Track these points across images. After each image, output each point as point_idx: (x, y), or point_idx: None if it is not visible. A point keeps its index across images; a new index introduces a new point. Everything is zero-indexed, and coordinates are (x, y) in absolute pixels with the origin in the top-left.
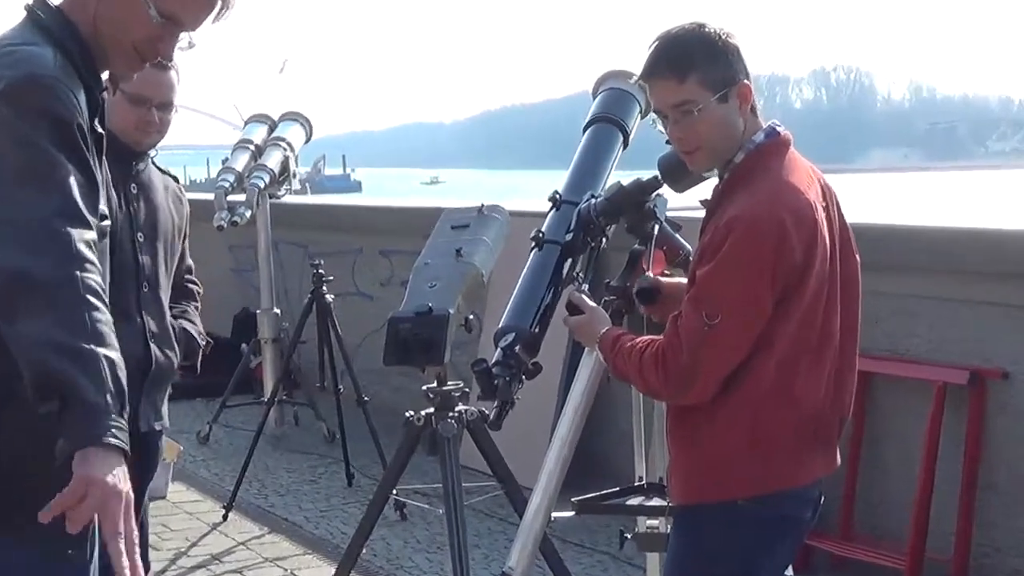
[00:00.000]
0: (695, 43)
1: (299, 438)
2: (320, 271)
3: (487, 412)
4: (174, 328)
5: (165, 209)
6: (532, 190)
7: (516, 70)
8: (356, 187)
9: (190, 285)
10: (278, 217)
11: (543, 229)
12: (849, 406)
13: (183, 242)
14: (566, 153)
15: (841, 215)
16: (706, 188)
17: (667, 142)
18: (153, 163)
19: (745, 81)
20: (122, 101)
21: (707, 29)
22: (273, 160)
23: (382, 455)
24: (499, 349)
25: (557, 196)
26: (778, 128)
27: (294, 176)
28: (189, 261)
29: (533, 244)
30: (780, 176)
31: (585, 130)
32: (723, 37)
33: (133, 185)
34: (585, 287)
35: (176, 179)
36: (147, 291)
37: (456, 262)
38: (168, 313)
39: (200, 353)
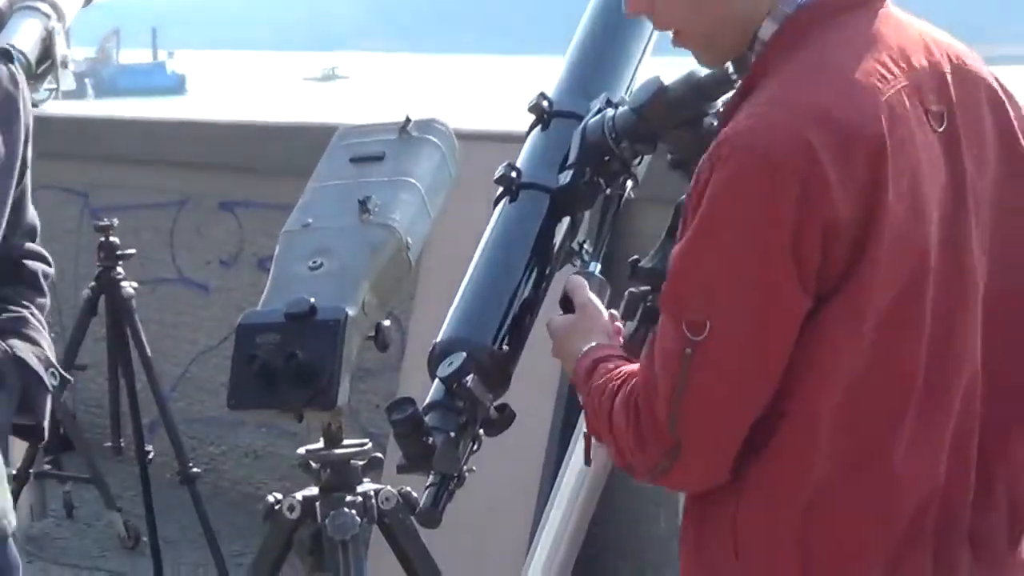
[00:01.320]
0: None
1: (74, 540)
2: (112, 239)
3: (415, 495)
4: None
5: None
6: (498, 90)
7: None
8: (176, 85)
9: (30, 264)
10: (35, 140)
11: (519, 163)
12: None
13: (20, 182)
14: (562, 27)
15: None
16: None
17: None
18: None
19: None
20: None
21: None
22: (24, 36)
23: (224, 572)
24: (438, 381)
25: (545, 103)
26: None
27: (64, 65)
28: (31, 217)
29: (500, 190)
30: (830, 55)
31: None
32: None
33: None
34: (595, 268)
35: (8, 54)
36: None
37: (360, 224)
38: None
39: (49, 399)
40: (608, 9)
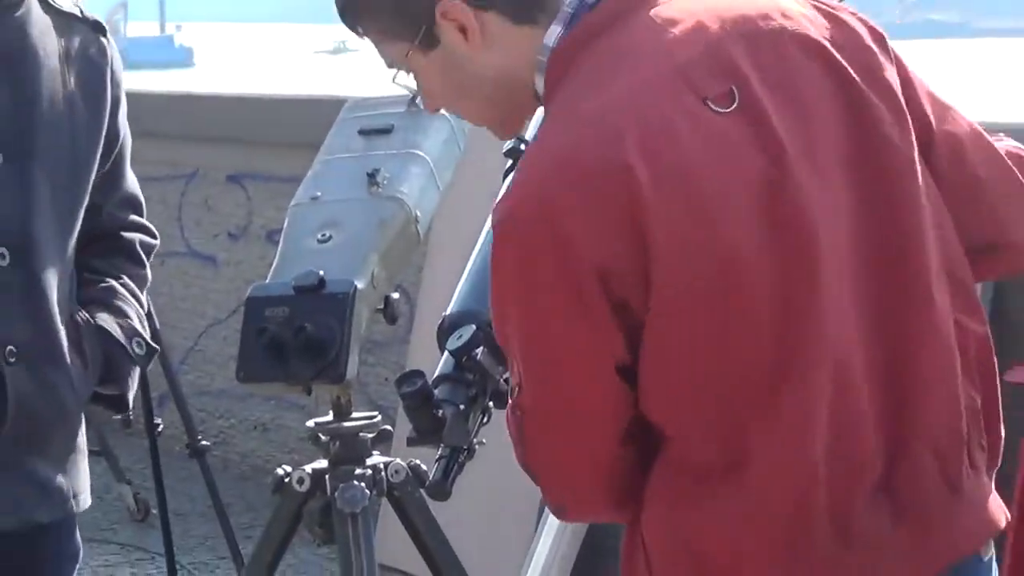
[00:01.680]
0: None
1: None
2: None
3: (424, 468)
4: (81, 326)
5: (56, 92)
6: None
7: None
8: (184, 58)
9: (127, 235)
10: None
11: (528, 136)
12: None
13: (111, 153)
14: None
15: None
16: None
17: None
18: None
19: None
20: None
21: None
22: None
23: (234, 544)
24: (447, 354)
25: None
26: None
27: None
28: (129, 188)
29: (509, 163)
30: (573, 94)
31: None
32: None
33: None
34: None
35: (100, 27)
36: (6, 264)
37: (369, 196)
38: (55, 300)
39: (134, 372)
40: None
